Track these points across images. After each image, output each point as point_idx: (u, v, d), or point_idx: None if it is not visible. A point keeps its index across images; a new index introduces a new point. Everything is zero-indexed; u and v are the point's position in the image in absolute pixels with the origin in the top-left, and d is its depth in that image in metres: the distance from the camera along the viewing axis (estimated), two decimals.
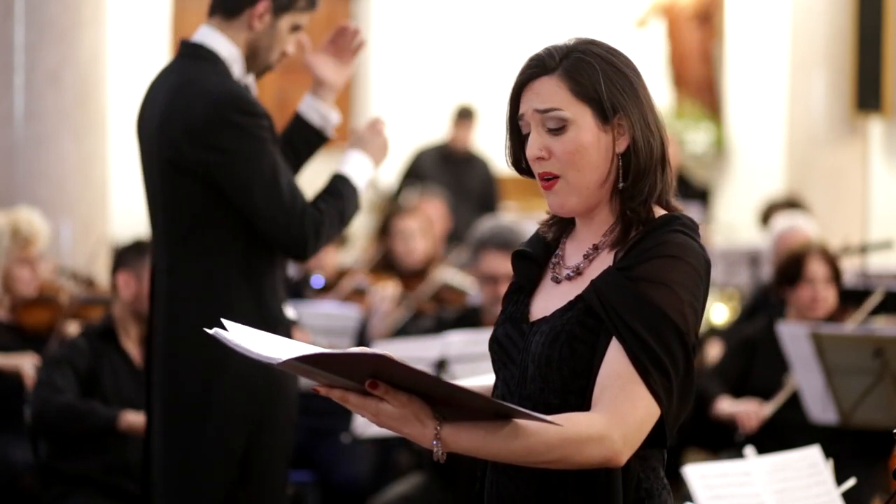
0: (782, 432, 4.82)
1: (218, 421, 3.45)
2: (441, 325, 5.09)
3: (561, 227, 2.30)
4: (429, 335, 4.81)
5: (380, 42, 11.44)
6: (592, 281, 2.15)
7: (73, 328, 5.11)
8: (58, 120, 5.89)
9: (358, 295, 6.24)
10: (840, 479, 3.33)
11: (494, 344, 2.28)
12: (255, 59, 3.54)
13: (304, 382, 5.34)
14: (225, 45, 3.50)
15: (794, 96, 9.06)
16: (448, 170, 9.53)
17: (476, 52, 11.49)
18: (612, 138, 2.18)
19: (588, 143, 2.17)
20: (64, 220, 5.81)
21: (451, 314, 5.34)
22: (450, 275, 6.56)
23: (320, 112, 3.77)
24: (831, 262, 5.07)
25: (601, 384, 2.09)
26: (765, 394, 4.99)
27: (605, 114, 2.17)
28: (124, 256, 4.65)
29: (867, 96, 8.87)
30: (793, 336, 4.61)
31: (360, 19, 11.39)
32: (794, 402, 4.82)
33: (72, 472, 4.45)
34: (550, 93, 2.19)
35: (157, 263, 3.56)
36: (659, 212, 2.20)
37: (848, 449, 4.65)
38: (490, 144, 10.71)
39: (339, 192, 3.56)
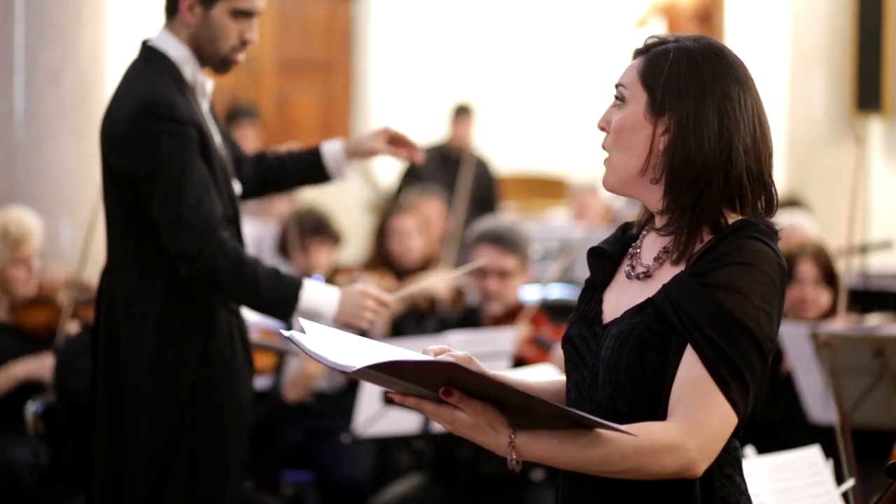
0: (782, 432, 4.81)
1: (144, 420, 3.45)
2: (444, 325, 5.10)
3: (648, 216, 2.28)
4: (430, 335, 4.81)
5: (380, 42, 11.43)
6: (664, 286, 2.13)
7: (72, 329, 5.11)
8: (58, 120, 5.89)
9: None
10: (840, 479, 3.33)
11: (567, 343, 2.27)
12: (203, 54, 3.49)
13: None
14: (175, 46, 3.48)
15: (794, 96, 9.05)
16: (447, 170, 9.54)
17: (477, 53, 11.48)
18: (653, 132, 2.16)
19: (630, 127, 2.17)
20: (64, 221, 5.80)
21: (453, 314, 5.35)
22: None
23: (340, 164, 3.78)
24: (823, 263, 5.05)
25: (677, 393, 2.07)
26: (766, 392, 4.98)
27: (655, 106, 2.16)
28: None
29: (867, 96, 8.86)
30: (793, 336, 4.60)
31: (360, 19, 11.38)
32: (795, 402, 4.82)
33: (76, 471, 4.45)
34: (629, 70, 2.21)
35: (104, 264, 3.59)
36: (733, 217, 2.16)
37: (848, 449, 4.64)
38: (489, 144, 10.72)
39: (282, 280, 3.41)
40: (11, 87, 5.88)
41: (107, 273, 3.54)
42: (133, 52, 3.58)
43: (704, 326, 2.06)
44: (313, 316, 3.38)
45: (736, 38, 10.69)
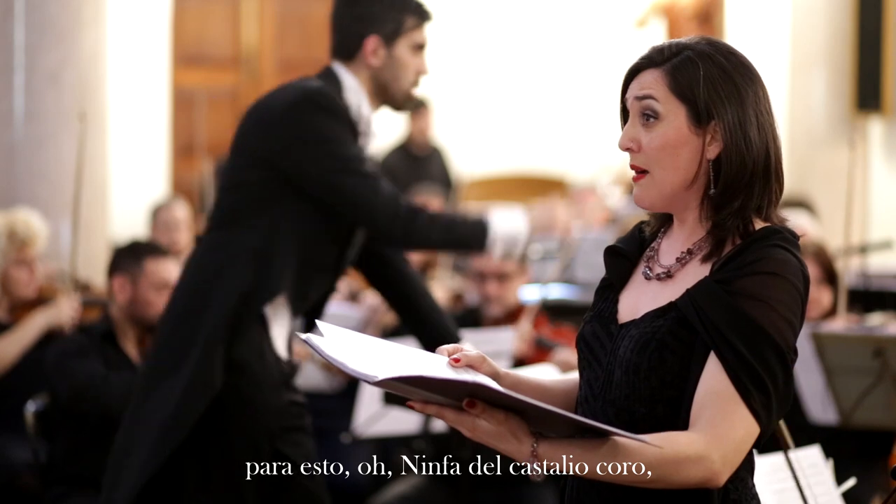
0: None
1: (158, 422, 3.43)
2: None
3: (663, 219, 2.27)
4: None
5: None
6: (688, 291, 2.12)
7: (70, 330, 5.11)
8: (58, 120, 5.89)
9: (352, 298, 6.21)
10: (840, 479, 3.33)
11: (581, 342, 2.26)
12: (385, 93, 3.56)
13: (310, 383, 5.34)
14: (348, 78, 3.54)
15: (794, 96, 9.05)
16: (411, 166, 9.60)
17: (477, 53, 11.48)
18: (702, 142, 2.15)
19: (675, 142, 2.15)
20: (64, 221, 5.80)
21: (455, 313, 5.35)
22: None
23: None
24: (824, 263, 5.05)
25: (699, 402, 2.06)
26: None
27: (699, 116, 2.15)
28: (119, 260, 4.64)
29: (867, 96, 8.86)
30: None
31: None
32: (794, 402, 4.82)
33: (72, 472, 4.45)
34: (650, 84, 2.17)
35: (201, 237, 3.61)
36: (759, 224, 2.17)
37: (848, 449, 4.65)
38: (489, 144, 10.72)
39: (468, 219, 3.61)
40: (11, 87, 5.88)
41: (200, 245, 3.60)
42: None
43: (728, 334, 2.06)
44: (512, 242, 3.60)
45: (736, 38, 10.70)
